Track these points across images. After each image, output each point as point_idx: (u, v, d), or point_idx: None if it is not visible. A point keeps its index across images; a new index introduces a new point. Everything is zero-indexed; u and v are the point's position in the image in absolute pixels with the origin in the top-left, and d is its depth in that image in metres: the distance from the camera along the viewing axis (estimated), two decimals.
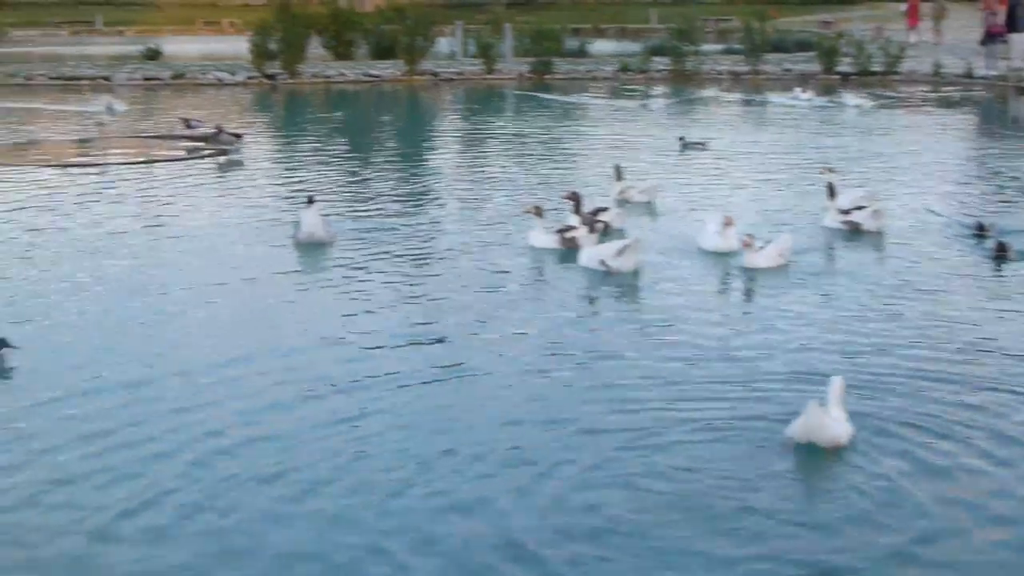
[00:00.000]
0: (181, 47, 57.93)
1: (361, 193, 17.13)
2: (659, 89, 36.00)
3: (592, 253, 11.95)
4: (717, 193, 16.70)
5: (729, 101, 32.49)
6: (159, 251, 13.09)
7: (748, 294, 11.37)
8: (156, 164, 19.93)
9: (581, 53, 45.97)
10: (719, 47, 47.45)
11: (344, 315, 10.39)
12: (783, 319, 10.24)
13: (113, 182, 18.04)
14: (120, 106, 28.73)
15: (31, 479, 6.91)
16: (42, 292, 11.18)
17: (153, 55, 46.99)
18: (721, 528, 6.26)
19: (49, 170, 19.14)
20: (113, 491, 6.70)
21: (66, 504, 6.57)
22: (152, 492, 6.69)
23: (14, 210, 15.45)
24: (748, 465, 7.05)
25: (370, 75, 39.40)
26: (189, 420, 7.81)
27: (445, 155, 22.65)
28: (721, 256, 12.20)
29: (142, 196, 16.71)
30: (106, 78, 38.83)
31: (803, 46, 46.34)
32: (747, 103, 31.91)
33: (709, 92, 34.38)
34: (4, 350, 8.92)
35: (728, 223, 12.40)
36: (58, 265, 12.29)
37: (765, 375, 8.71)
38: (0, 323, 9.75)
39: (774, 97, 31.89)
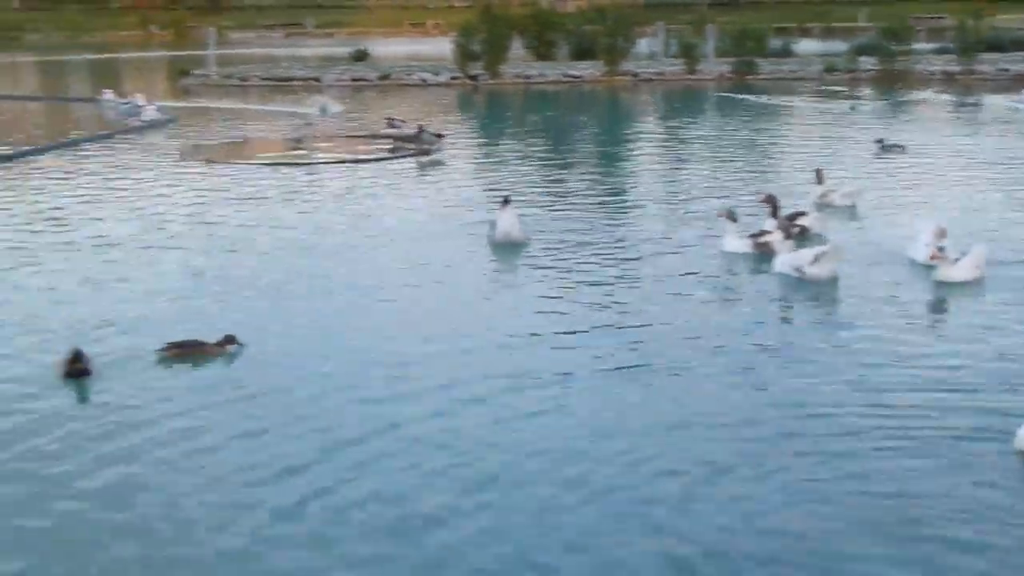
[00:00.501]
0: (388, 48, 59.53)
1: (557, 193, 17.24)
2: (866, 90, 35.03)
3: (787, 259, 11.71)
4: (919, 199, 16.13)
5: (941, 103, 31.33)
6: (361, 248, 13.48)
7: (946, 305, 10.93)
8: (361, 163, 20.51)
9: (785, 53, 45.13)
10: (931, 46, 45.84)
11: (537, 313, 10.50)
12: (984, 330, 9.82)
13: (320, 180, 18.67)
14: (334, 107, 29.70)
15: (264, 463, 7.23)
16: (253, 286, 11.67)
17: (361, 56, 48.46)
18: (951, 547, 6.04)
19: (260, 168, 19.92)
20: (301, 478, 6.95)
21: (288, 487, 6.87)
22: (330, 480, 6.91)
23: (226, 207, 16.17)
24: (966, 481, 6.76)
25: (570, 75, 39.63)
26: (384, 412, 8.05)
27: (642, 156, 22.58)
28: (930, 268, 11.64)
29: (346, 194, 17.24)
30: (316, 79, 40.24)
31: (1021, 45, 44.33)
32: (960, 105, 30.70)
33: (919, 93, 33.24)
34: (233, 346, 9.38)
35: (940, 234, 11.75)
36: (267, 260, 12.80)
37: (969, 386, 8.39)
38: (221, 316, 10.29)
39: (990, 99, 30.59)
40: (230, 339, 9.43)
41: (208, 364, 9.20)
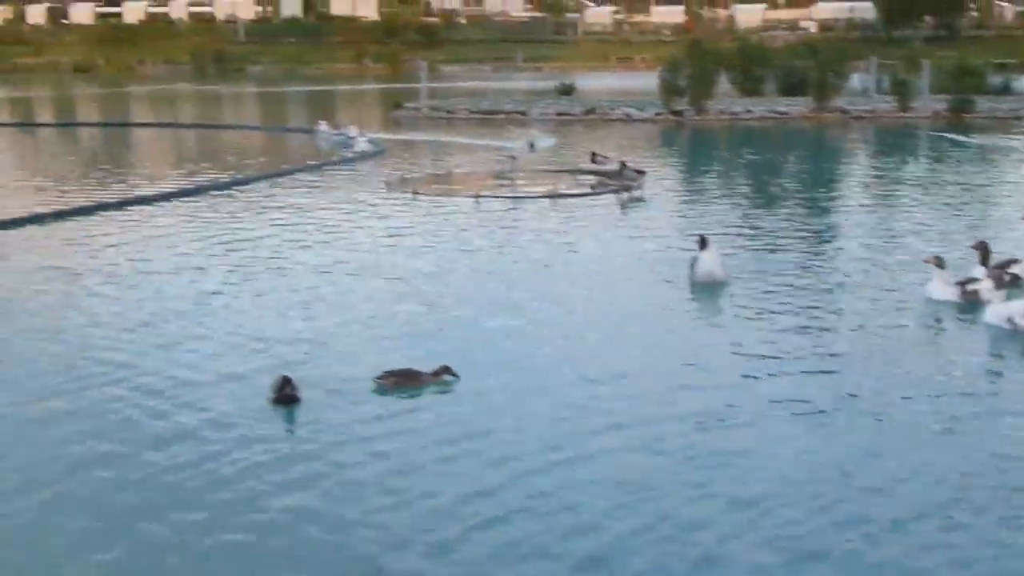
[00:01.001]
0: (595, 83, 59.96)
1: (759, 233, 17.01)
2: None
3: (999, 310, 11.24)
4: None
5: None
6: (559, 282, 13.60)
7: None
8: (563, 198, 20.71)
9: (1005, 90, 43.39)
10: None
11: (735, 354, 10.39)
12: None
13: (522, 214, 18.93)
14: (544, 141, 29.98)
15: (453, 491, 7.40)
16: (455, 316, 11.96)
17: (567, 91, 48.97)
18: None
19: (463, 200, 20.34)
20: (471, 505, 7.07)
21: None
22: (520, 510, 7.00)
23: (429, 237, 16.58)
24: None
25: (777, 112, 39.08)
26: (579, 447, 8.13)
27: (849, 196, 22.07)
28: None
29: (547, 228, 17.43)
30: (522, 113, 40.86)
31: None
32: None
33: None
34: (447, 376, 9.60)
35: None
36: (468, 291, 13.08)
37: None
38: (425, 346, 10.59)
39: None
40: (445, 369, 9.63)
41: (424, 393, 9.41)
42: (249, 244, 16.24)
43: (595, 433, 8.46)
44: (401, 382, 9.50)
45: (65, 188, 22.84)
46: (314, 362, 10.25)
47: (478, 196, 20.41)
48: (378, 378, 9.55)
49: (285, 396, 9.06)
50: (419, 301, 12.60)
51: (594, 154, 24.81)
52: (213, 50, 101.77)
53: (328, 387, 9.53)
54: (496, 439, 8.36)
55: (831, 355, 10.38)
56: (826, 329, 11.34)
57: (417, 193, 21.07)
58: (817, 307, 12.22)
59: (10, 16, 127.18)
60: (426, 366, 9.68)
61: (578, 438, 8.33)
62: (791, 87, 42.56)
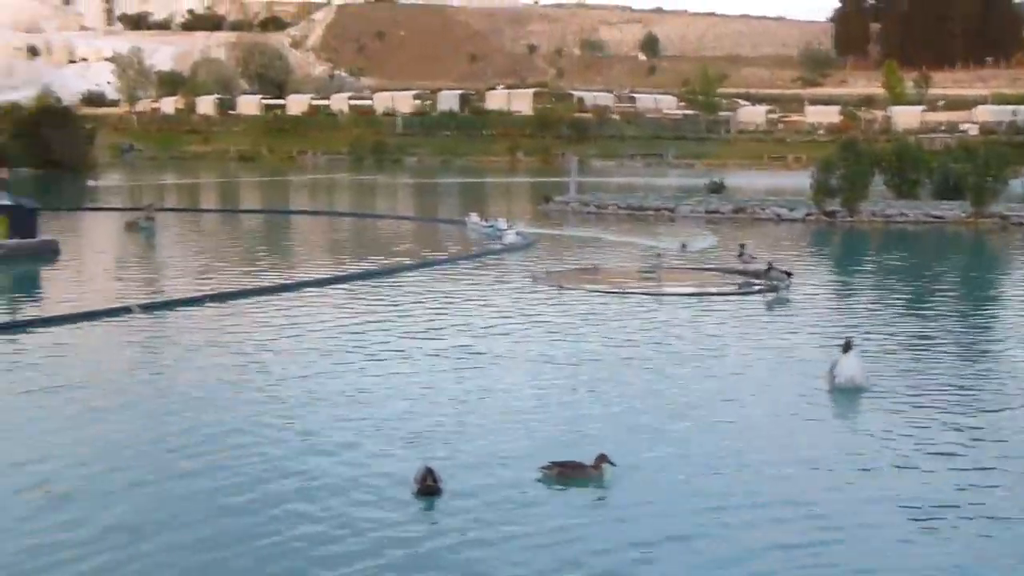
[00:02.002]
0: (746, 181, 59.74)
1: (906, 339, 16.64)
2: None
3: None
4: None
5: None
6: (698, 380, 13.55)
7: None
8: (708, 296, 20.62)
9: None
10: None
11: (877, 462, 10.19)
12: None
13: (666, 311, 18.91)
14: (700, 242, 29.69)
15: None
16: (602, 406, 12.02)
17: (717, 188, 48.84)
18: None
19: (608, 296, 20.41)
20: None
21: None
22: None
23: (575, 330, 16.68)
24: None
25: (932, 215, 38.24)
26: (734, 539, 8.18)
27: (1005, 305, 21.43)
28: None
29: (692, 325, 17.38)
30: (671, 209, 40.88)
31: None
32: None
33: None
34: (607, 466, 9.63)
35: None
36: (609, 383, 13.15)
37: None
38: (573, 435, 10.63)
39: None
40: (603, 458, 9.67)
41: (587, 485, 9.54)
42: (398, 331, 16.59)
43: (748, 526, 8.53)
44: (565, 473, 9.53)
45: (227, 272, 23.69)
46: (459, 452, 10.37)
47: (561, 287, 20.69)
48: (544, 468, 9.59)
49: (427, 488, 9.08)
50: (565, 392, 12.73)
51: (742, 246, 24.66)
52: (372, 141, 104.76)
53: (475, 480, 9.60)
54: (660, 528, 8.44)
55: (977, 466, 10.12)
56: (972, 441, 11.05)
57: (563, 287, 21.24)
58: (961, 417, 11.92)
59: (182, 106, 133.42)
60: (577, 455, 9.75)
61: (735, 531, 8.37)
62: (948, 191, 41.62)
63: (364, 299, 19.88)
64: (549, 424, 11.47)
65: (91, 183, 56.75)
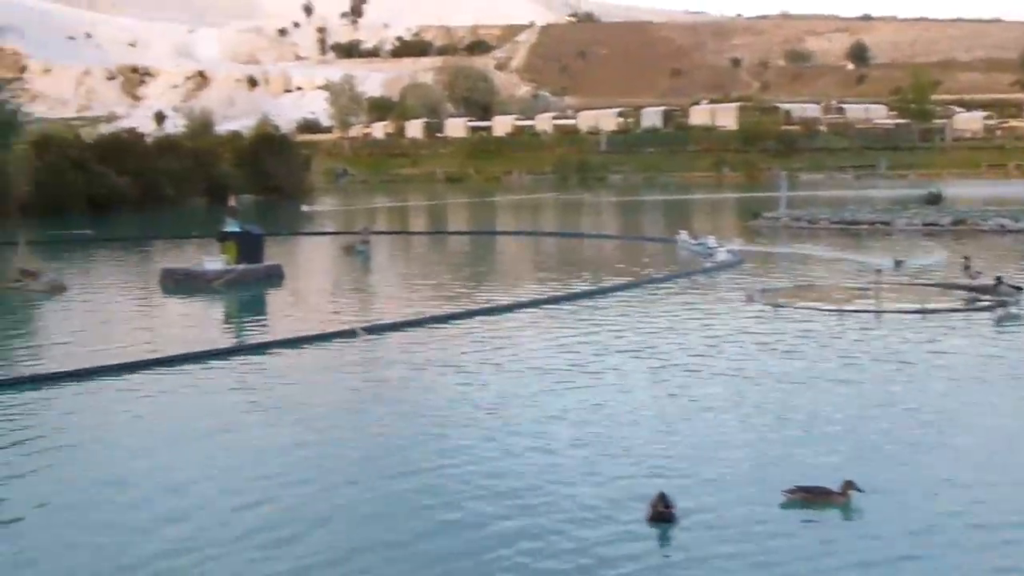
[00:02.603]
0: (964, 191, 57.45)
1: None
2: None
3: None
4: None
5: None
6: (929, 399, 13.09)
7: None
8: (931, 314, 19.88)
9: None
10: None
11: None
12: None
13: (887, 329, 18.33)
14: (922, 259, 28.35)
15: None
16: (830, 429, 11.74)
17: (934, 200, 47.18)
18: None
19: (825, 314, 19.93)
20: None
21: None
22: None
23: (793, 349, 16.35)
24: None
25: None
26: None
27: None
28: None
29: (916, 343, 16.81)
30: (886, 223, 39.64)
31: None
32: None
33: None
34: (853, 492, 9.41)
35: None
36: (835, 404, 12.81)
37: None
38: (800, 459, 10.44)
39: None
40: (850, 484, 9.43)
41: (833, 510, 9.35)
42: (614, 350, 16.62)
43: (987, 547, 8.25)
44: (810, 498, 9.33)
45: (442, 293, 24.22)
46: (688, 474, 10.30)
47: (776, 305, 20.00)
48: (787, 491, 9.40)
49: (660, 514, 8.91)
50: (788, 412, 12.52)
51: (966, 258, 23.71)
52: (576, 160, 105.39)
53: (711, 504, 9.50)
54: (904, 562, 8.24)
55: None
56: None
57: (778, 305, 20.87)
58: None
59: (392, 130, 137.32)
60: (808, 477, 9.57)
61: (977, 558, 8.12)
62: None
63: (579, 319, 19.98)
64: (777, 445, 11.28)
65: (305, 209, 58.89)
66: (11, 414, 13.16)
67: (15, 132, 55.42)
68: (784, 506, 9.37)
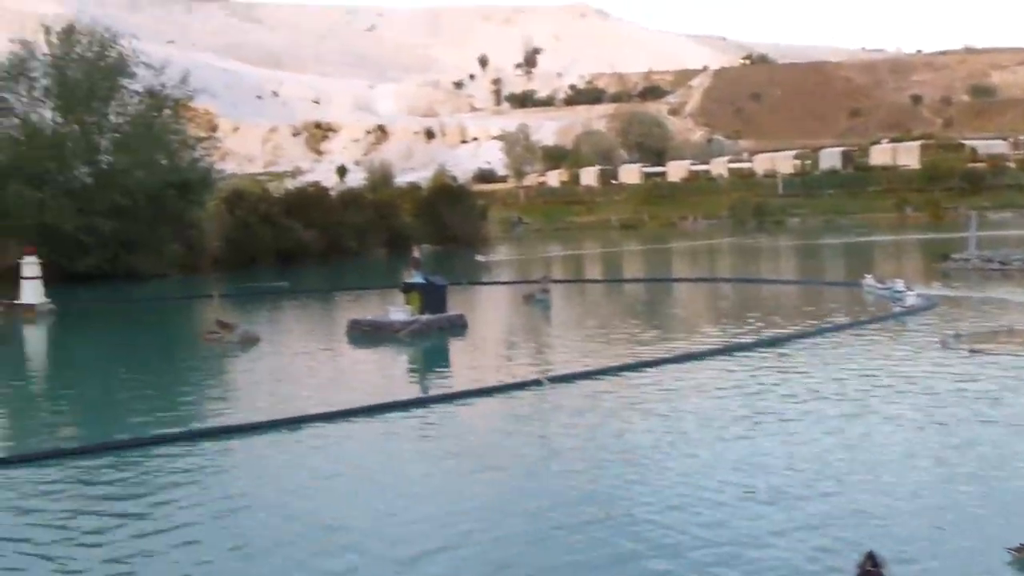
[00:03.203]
0: None
1: None
2: None
3: None
4: None
5: None
6: None
7: None
8: None
9: None
10: None
11: None
12: None
13: None
14: None
15: None
16: None
17: None
18: None
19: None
20: None
21: None
22: None
23: (996, 398, 15.70)
24: None
25: None
26: None
27: None
28: None
29: None
30: None
31: None
32: None
33: None
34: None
35: None
36: None
37: None
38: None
39: None
40: None
41: None
42: (804, 396, 16.30)
43: None
44: None
45: (622, 342, 24.15)
46: (894, 528, 9.96)
47: (973, 350, 19.13)
48: (1012, 550, 8.87)
49: (869, 574, 8.54)
50: (1005, 463, 12.02)
51: None
52: (752, 204, 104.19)
53: (925, 561, 9.13)
54: None
55: None
56: None
57: (975, 351, 20.09)
58: None
59: (566, 178, 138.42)
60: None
61: None
62: None
63: (765, 365, 19.64)
64: (992, 497, 10.80)
65: (480, 258, 59.55)
66: (208, 464, 13.62)
67: (208, 189, 57.83)
68: (1011, 564, 8.87)
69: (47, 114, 53.15)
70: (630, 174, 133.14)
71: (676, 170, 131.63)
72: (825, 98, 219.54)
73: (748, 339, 23.14)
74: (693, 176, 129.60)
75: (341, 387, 19.18)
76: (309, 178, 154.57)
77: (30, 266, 34.82)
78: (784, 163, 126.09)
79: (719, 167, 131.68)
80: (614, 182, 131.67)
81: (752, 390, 17.16)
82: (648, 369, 19.71)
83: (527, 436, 14.69)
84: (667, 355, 21.24)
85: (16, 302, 34.37)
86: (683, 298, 36.47)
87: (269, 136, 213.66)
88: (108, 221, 49.39)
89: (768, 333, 24.06)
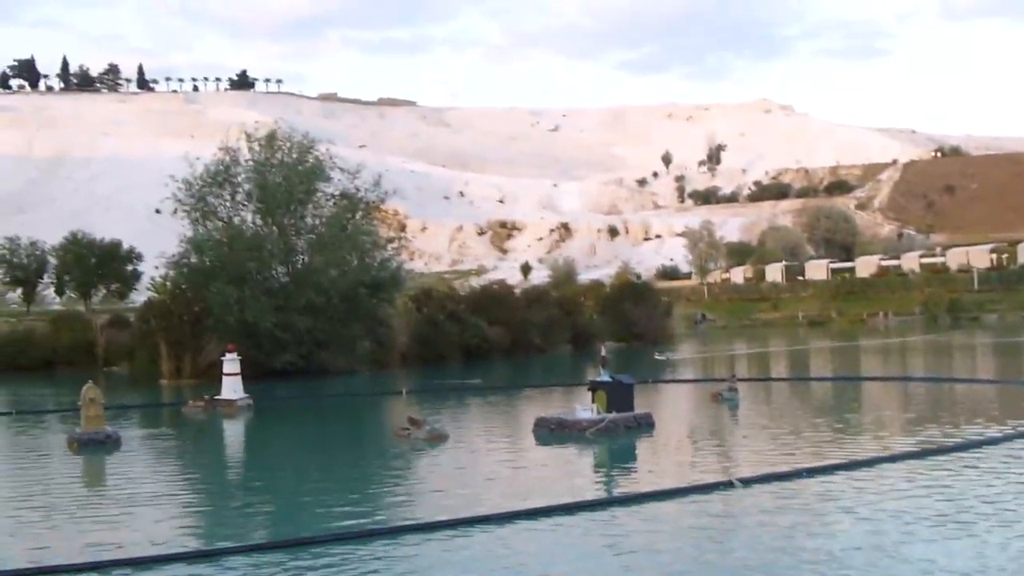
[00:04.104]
0: None
1: None
2: None
3: None
4: None
5: None
6: None
7: None
8: None
9: None
10: None
11: None
12: None
13: None
14: None
15: None
16: None
17: None
18: None
19: None
20: None
21: None
22: None
23: None
24: None
25: None
26: None
27: None
28: None
29: None
30: None
31: None
32: None
33: None
34: None
35: None
36: None
37: None
38: None
39: None
40: None
41: None
42: (1007, 504, 15.66)
43: None
44: None
45: (813, 442, 23.65)
46: None
47: None
48: None
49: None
50: None
51: None
52: (946, 300, 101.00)
53: None
54: None
55: None
56: None
57: None
58: None
59: (751, 275, 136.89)
60: None
61: None
62: None
63: (963, 466, 19.01)
64: None
65: (657, 356, 58.87)
66: (389, 561, 13.87)
67: (398, 287, 59.35)
68: None
69: (248, 217, 55.66)
70: (817, 270, 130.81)
71: (865, 265, 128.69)
72: (1022, 189, 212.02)
73: (943, 440, 22.35)
74: (883, 271, 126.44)
75: (525, 486, 19.31)
76: (494, 276, 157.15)
77: (231, 363, 36.27)
78: (979, 257, 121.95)
79: (910, 262, 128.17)
80: (800, 278, 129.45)
81: (950, 493, 16.60)
82: (842, 471, 19.24)
83: (719, 537, 14.49)
84: (860, 456, 20.71)
85: (216, 397, 35.81)
86: (874, 397, 35.42)
87: (455, 235, 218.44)
88: (303, 318, 51.16)
89: (965, 434, 23.18)
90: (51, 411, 37.75)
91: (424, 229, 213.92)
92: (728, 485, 17.79)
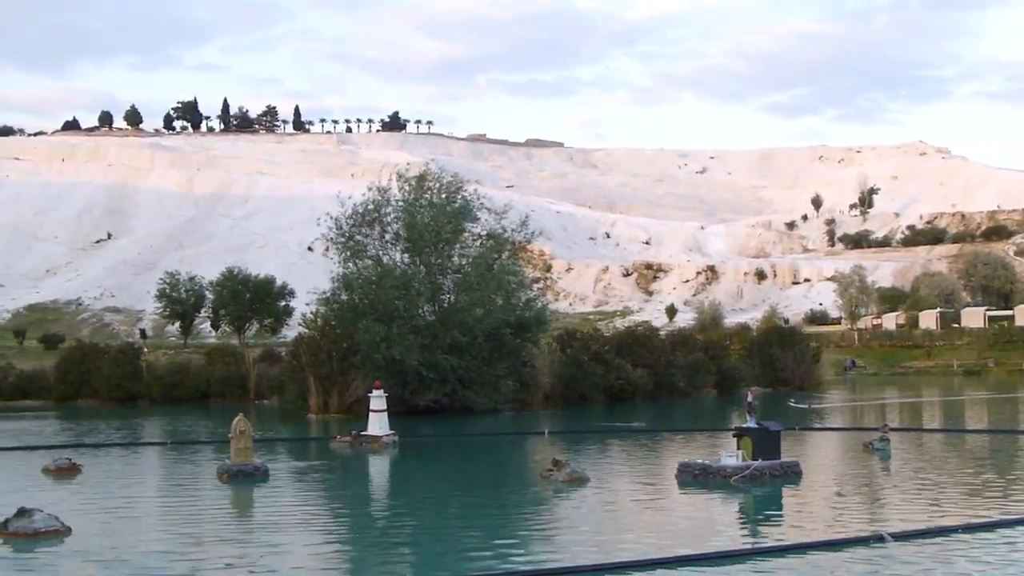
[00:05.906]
0: None
1: None
2: None
3: None
4: None
5: None
6: None
7: None
8: None
9: None
10: None
11: None
12: None
13: None
14: None
15: None
16: None
17: None
18: None
19: None
20: None
21: None
22: None
23: None
24: None
25: None
26: None
27: None
28: None
29: None
30: None
31: None
32: None
33: None
34: None
35: None
36: None
37: None
38: None
39: None
40: None
41: None
42: None
43: None
44: None
45: (962, 496, 22.82)
46: None
47: None
48: None
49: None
50: None
51: None
52: None
53: None
54: None
55: None
56: None
57: None
58: None
59: (903, 321, 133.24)
60: None
61: None
62: None
63: None
64: None
65: (792, 404, 57.00)
66: None
67: (543, 328, 59.47)
68: None
69: (396, 256, 56.59)
70: (973, 317, 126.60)
71: None
72: None
73: None
74: None
75: (665, 533, 19.06)
76: (639, 317, 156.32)
77: (377, 399, 36.79)
78: None
79: None
80: (956, 326, 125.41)
81: None
82: (1002, 529, 18.49)
83: None
84: (1018, 514, 19.85)
85: (363, 433, 36.34)
86: None
87: (601, 276, 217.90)
88: (449, 357, 51.66)
89: None
90: (203, 442, 38.85)
91: (569, 270, 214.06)
92: (879, 540, 17.23)
